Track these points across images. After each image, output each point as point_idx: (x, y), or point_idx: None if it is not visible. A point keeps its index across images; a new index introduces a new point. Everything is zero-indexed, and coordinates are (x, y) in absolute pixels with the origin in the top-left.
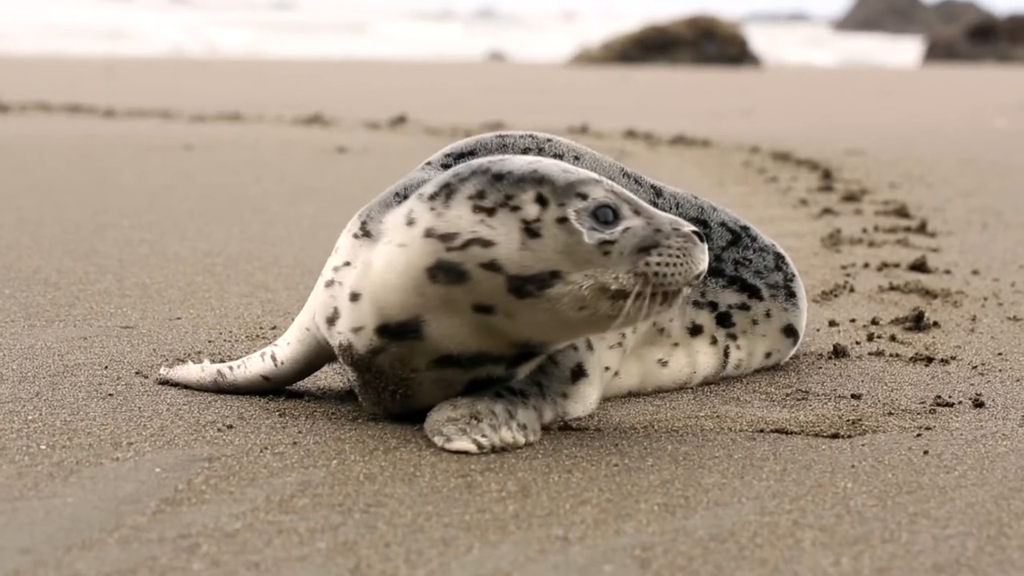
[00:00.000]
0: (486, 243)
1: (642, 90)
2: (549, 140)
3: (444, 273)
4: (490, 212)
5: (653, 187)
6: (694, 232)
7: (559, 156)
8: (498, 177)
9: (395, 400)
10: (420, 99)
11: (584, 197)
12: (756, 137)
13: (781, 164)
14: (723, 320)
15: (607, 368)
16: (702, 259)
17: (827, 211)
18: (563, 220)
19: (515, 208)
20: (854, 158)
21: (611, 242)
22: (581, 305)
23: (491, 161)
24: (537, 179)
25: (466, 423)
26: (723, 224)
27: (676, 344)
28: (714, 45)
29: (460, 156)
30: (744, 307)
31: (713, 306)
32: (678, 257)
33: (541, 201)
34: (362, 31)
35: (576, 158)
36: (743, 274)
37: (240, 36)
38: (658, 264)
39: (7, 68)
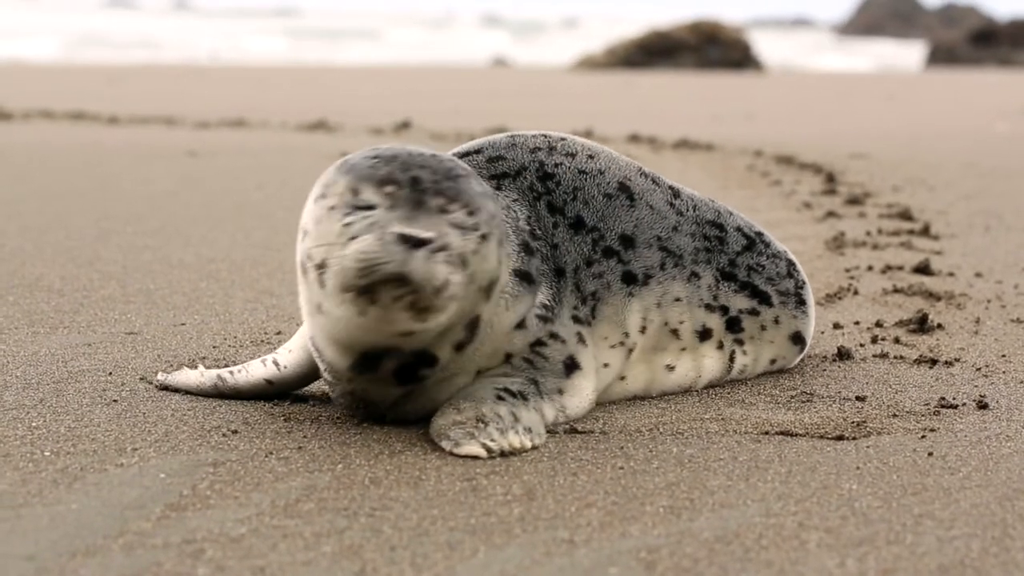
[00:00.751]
0: (304, 234)
1: (646, 95)
2: (563, 139)
3: (302, 271)
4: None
5: (671, 188)
6: (403, 235)
7: (572, 154)
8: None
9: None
10: (424, 105)
11: (356, 192)
12: (760, 141)
13: (785, 168)
14: (732, 325)
15: (606, 365)
16: (407, 263)
17: (831, 214)
18: (332, 208)
19: (322, 196)
20: (857, 162)
21: (349, 225)
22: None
23: None
24: (343, 170)
25: (473, 427)
26: (738, 229)
27: (684, 349)
28: (717, 50)
29: (465, 155)
30: (754, 312)
31: (724, 310)
32: (370, 249)
33: (339, 192)
34: (365, 37)
35: (590, 156)
36: (755, 280)
37: (254, 43)
38: (351, 253)
39: (11, 76)
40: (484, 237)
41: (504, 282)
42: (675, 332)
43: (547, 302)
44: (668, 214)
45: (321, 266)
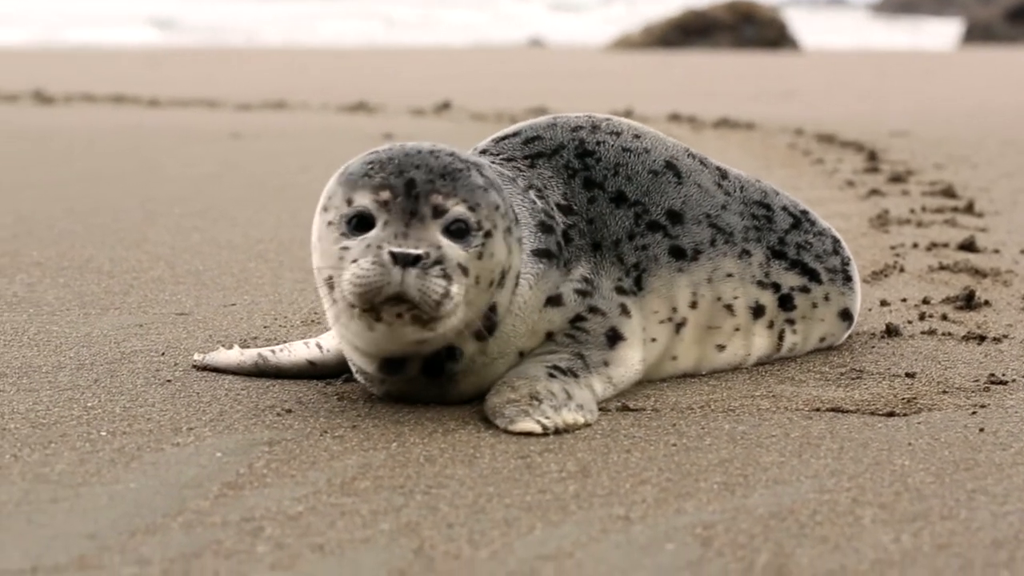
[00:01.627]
0: (312, 246)
1: (684, 74)
2: (608, 119)
3: (317, 281)
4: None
5: (718, 168)
6: (394, 253)
7: (616, 133)
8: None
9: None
10: (463, 85)
11: (350, 203)
12: (799, 119)
13: (826, 146)
14: (784, 302)
15: (654, 340)
16: (403, 283)
17: (874, 192)
18: (330, 223)
19: (324, 209)
20: (899, 139)
21: (347, 248)
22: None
23: None
24: (341, 180)
25: (527, 404)
26: (784, 208)
27: (738, 328)
28: (753, 29)
29: (503, 138)
30: (804, 290)
31: (776, 287)
32: (365, 274)
33: (336, 205)
34: (397, 19)
35: (636, 136)
36: (804, 258)
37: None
38: (348, 277)
39: (51, 60)
40: (488, 234)
41: (518, 267)
42: (729, 308)
43: (587, 275)
44: (716, 194)
45: (329, 282)
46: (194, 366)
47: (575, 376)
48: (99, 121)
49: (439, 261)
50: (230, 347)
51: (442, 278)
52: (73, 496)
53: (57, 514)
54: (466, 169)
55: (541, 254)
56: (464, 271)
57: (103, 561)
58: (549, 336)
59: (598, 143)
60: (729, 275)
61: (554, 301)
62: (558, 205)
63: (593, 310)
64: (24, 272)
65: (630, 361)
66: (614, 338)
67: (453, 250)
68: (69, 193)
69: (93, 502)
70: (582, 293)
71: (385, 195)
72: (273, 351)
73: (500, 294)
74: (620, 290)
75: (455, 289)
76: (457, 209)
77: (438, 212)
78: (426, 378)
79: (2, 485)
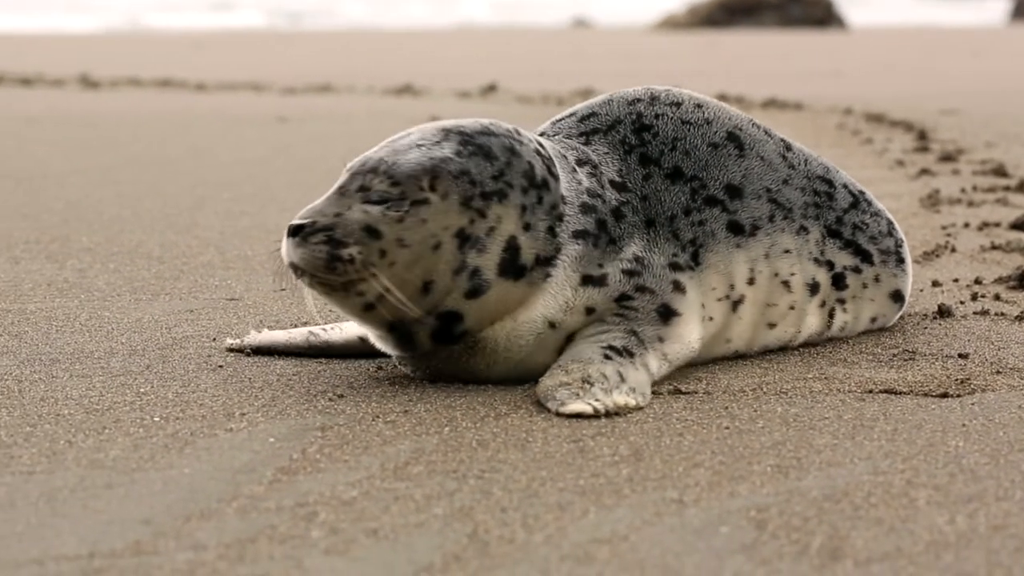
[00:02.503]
0: None
1: (730, 54)
2: (668, 90)
3: None
4: None
5: (783, 141)
6: (290, 226)
7: (677, 104)
8: None
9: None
10: (508, 67)
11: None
12: (848, 99)
13: (875, 125)
14: (837, 281)
15: (711, 318)
16: (290, 253)
17: (924, 171)
18: None
19: None
20: (948, 118)
21: None
22: None
23: None
24: None
25: (579, 387)
26: (845, 186)
27: (792, 306)
28: (799, 7)
29: (560, 120)
30: (856, 270)
31: (830, 265)
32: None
33: None
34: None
35: (698, 106)
36: (859, 238)
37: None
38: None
39: (95, 44)
40: (423, 202)
41: (509, 231)
42: (786, 284)
43: (638, 254)
44: (779, 166)
45: None
46: (231, 348)
47: (630, 355)
48: (146, 105)
49: (327, 228)
50: (260, 331)
51: (326, 244)
52: (128, 482)
53: (112, 500)
54: (419, 146)
55: (578, 235)
56: (374, 233)
57: (159, 547)
58: (590, 312)
59: (657, 116)
60: (787, 251)
61: (594, 280)
62: (612, 182)
63: (640, 289)
64: (75, 258)
65: (686, 338)
66: (667, 314)
67: (356, 213)
68: (118, 178)
69: (148, 487)
70: (629, 273)
71: (342, 180)
72: (324, 329)
73: (476, 256)
74: (675, 266)
75: (348, 252)
76: (379, 184)
77: (364, 188)
78: (444, 348)
79: (57, 471)
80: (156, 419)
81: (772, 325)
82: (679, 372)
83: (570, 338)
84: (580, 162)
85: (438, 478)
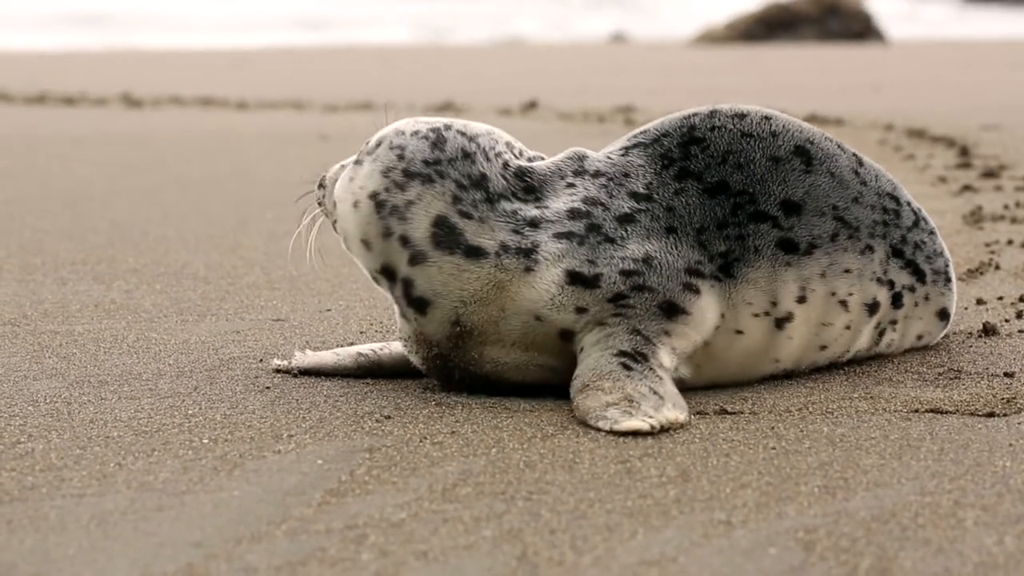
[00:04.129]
0: None
1: (770, 69)
2: (735, 105)
3: None
4: None
5: (855, 155)
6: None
7: (741, 116)
8: None
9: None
10: (548, 83)
11: None
12: (889, 114)
13: (917, 141)
14: (895, 300)
15: (739, 332)
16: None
17: (967, 188)
18: None
19: None
20: (990, 133)
21: None
22: None
23: None
24: None
25: (628, 406)
26: (908, 203)
27: (848, 326)
28: (838, 21)
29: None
30: (912, 289)
31: (891, 285)
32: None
33: None
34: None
35: (765, 118)
36: (917, 258)
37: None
38: None
39: (135, 62)
40: (356, 163)
41: (438, 210)
42: (844, 304)
43: (644, 255)
44: (852, 183)
45: None
46: (278, 369)
47: (643, 358)
48: (189, 124)
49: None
50: (303, 351)
51: (317, 187)
52: (178, 504)
53: (163, 522)
54: (415, 121)
55: (561, 235)
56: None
57: (210, 570)
58: (581, 311)
59: (712, 129)
60: (847, 271)
61: (584, 279)
62: (633, 192)
63: (638, 288)
64: (121, 279)
65: (692, 338)
66: (672, 311)
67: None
68: (163, 198)
69: (198, 510)
70: (628, 273)
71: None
72: (374, 349)
73: (395, 223)
74: (695, 272)
75: (317, 194)
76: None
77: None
78: (430, 325)
79: (108, 493)
80: (205, 441)
81: (824, 346)
82: (725, 392)
83: (565, 337)
84: (579, 173)
85: (486, 500)
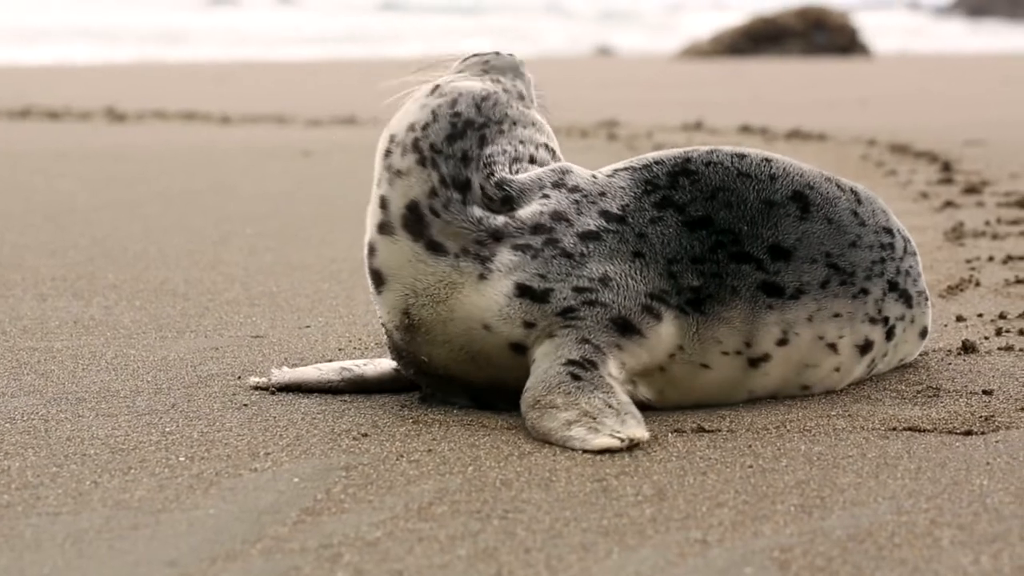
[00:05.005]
0: None
1: (754, 83)
2: (740, 148)
3: None
4: None
5: (853, 192)
6: None
7: (741, 156)
8: None
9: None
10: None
11: None
12: (872, 129)
13: (900, 157)
14: (890, 333)
15: (705, 365)
16: None
17: (949, 204)
18: None
19: None
20: (973, 149)
21: None
22: None
23: None
24: None
25: (591, 422)
26: (899, 231)
27: (838, 368)
28: (824, 35)
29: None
30: (902, 318)
31: (885, 321)
32: None
33: None
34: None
35: (766, 160)
36: (908, 285)
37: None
38: None
39: (121, 76)
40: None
41: (410, 191)
42: (833, 347)
43: (601, 275)
44: (850, 227)
45: None
46: (256, 386)
47: (594, 367)
48: (171, 138)
49: None
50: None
51: None
52: (154, 523)
53: (138, 541)
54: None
55: (518, 248)
56: None
57: None
58: (530, 326)
59: (707, 164)
60: (837, 315)
61: (533, 293)
62: (605, 212)
63: (590, 303)
64: (100, 295)
65: (641, 357)
66: (625, 327)
67: None
68: (144, 213)
69: (173, 528)
70: (581, 290)
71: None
72: (357, 364)
73: (381, 186)
74: (659, 298)
75: None
76: None
77: None
78: (389, 302)
79: (84, 512)
80: (181, 459)
81: (807, 387)
82: (703, 410)
83: (518, 351)
84: (558, 185)
85: (462, 518)
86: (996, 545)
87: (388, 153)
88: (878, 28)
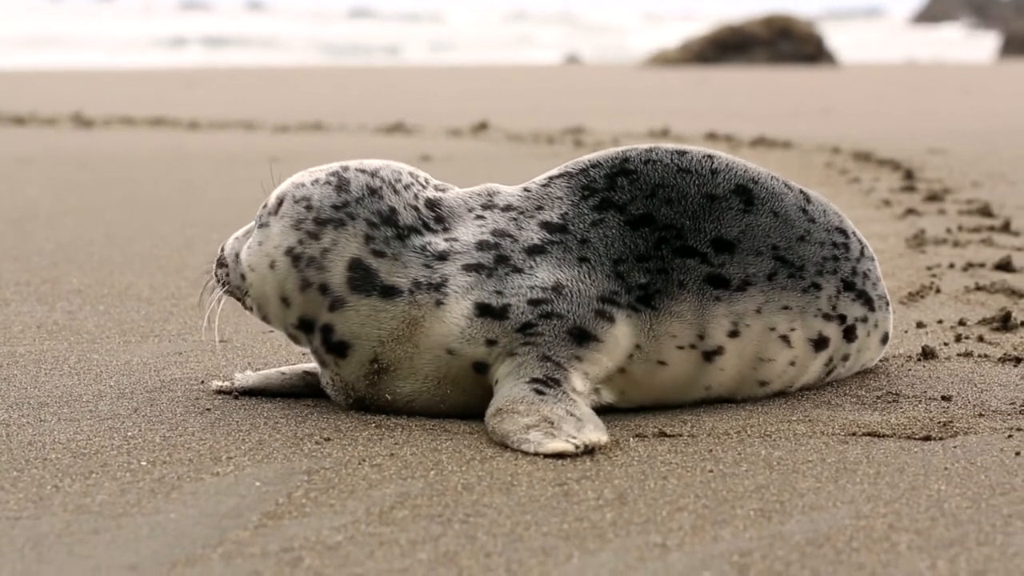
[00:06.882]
0: None
1: (721, 91)
2: (683, 146)
3: None
4: None
5: (802, 192)
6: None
7: (680, 153)
8: None
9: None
10: (500, 104)
11: None
12: (837, 137)
13: (863, 164)
14: (848, 333)
15: (662, 362)
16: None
17: (910, 211)
18: None
19: None
20: (936, 157)
21: None
22: None
23: None
24: None
25: (549, 427)
26: (854, 233)
27: (793, 362)
28: (790, 44)
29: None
30: (864, 320)
31: (842, 319)
32: None
33: None
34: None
35: (708, 156)
36: (867, 287)
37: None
38: None
39: (89, 82)
40: (262, 227)
41: (350, 253)
42: (785, 339)
43: (553, 284)
44: (798, 221)
45: None
46: (218, 391)
47: (558, 384)
48: (138, 144)
49: (221, 253)
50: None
51: (217, 266)
52: (115, 527)
53: (99, 545)
54: (309, 173)
55: (470, 268)
56: (237, 258)
57: None
58: (492, 343)
59: (646, 162)
60: (786, 308)
61: (492, 311)
62: (546, 223)
63: (546, 316)
64: (64, 300)
65: (604, 363)
66: (582, 337)
67: (231, 241)
68: (109, 218)
69: (134, 533)
70: (536, 302)
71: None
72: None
73: (313, 273)
74: (610, 301)
75: (220, 272)
76: (263, 211)
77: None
78: (349, 368)
79: (44, 516)
80: (143, 463)
81: (764, 383)
82: (664, 414)
83: (480, 370)
84: (488, 207)
85: (423, 523)
86: (953, 550)
87: (297, 260)
88: (844, 37)
